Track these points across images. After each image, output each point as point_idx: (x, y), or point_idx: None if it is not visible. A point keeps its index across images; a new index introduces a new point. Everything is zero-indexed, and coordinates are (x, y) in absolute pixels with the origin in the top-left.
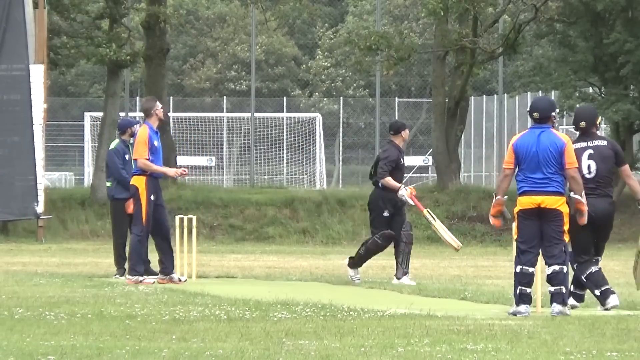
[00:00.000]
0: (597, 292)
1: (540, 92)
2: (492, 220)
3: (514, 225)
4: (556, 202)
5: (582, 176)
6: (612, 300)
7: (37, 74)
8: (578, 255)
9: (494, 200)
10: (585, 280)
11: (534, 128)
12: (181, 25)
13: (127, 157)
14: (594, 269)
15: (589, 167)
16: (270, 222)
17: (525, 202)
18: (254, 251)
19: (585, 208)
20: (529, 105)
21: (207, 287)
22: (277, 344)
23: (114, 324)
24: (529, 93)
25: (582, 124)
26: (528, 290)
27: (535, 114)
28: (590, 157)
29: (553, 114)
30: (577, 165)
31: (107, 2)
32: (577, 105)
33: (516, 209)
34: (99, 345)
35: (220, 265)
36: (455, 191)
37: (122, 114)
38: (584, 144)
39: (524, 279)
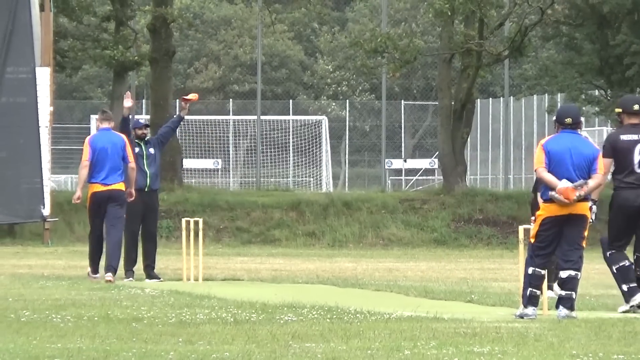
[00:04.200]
0: (625, 288)
1: (546, 94)
2: (576, 193)
3: (533, 228)
4: (585, 208)
5: (632, 170)
6: (639, 297)
7: (43, 76)
8: (612, 242)
9: (558, 194)
10: (615, 271)
11: (567, 133)
12: (190, 25)
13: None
14: (627, 262)
15: (636, 161)
16: (276, 225)
17: (556, 209)
18: (260, 254)
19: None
20: (534, 108)
21: (213, 289)
22: (283, 346)
23: (121, 327)
24: (534, 96)
25: (636, 107)
26: (538, 292)
27: (569, 120)
28: None
29: (582, 119)
30: (604, 172)
31: (113, 5)
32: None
33: (542, 215)
34: (106, 348)
35: (227, 267)
36: (461, 194)
37: None
38: (635, 137)
39: (535, 281)
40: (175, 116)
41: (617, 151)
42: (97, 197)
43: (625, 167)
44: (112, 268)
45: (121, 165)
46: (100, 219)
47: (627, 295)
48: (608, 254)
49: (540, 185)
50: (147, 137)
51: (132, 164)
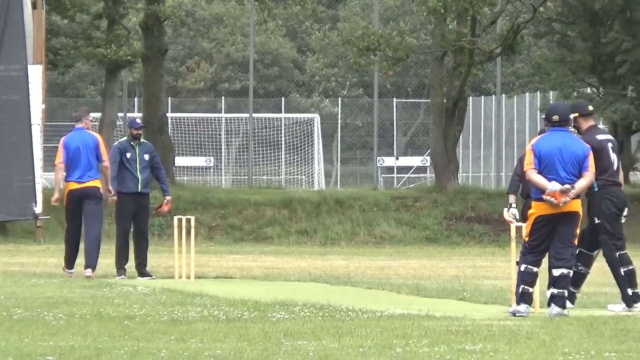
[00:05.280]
0: (630, 292)
1: (538, 92)
2: (562, 199)
3: (526, 226)
4: (577, 205)
5: (612, 169)
6: None
7: (35, 74)
8: (619, 240)
9: (550, 198)
10: (623, 274)
11: (556, 131)
12: (182, 23)
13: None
14: (633, 266)
15: (614, 160)
16: (268, 223)
17: (548, 207)
18: (252, 251)
19: (564, 200)
20: (526, 106)
21: (205, 287)
22: (275, 344)
23: (113, 325)
24: (527, 93)
25: (590, 107)
26: (530, 290)
27: (556, 117)
28: (612, 150)
29: (571, 116)
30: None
31: (106, 2)
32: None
33: (534, 214)
34: (98, 345)
35: (219, 265)
36: (453, 192)
37: (120, 114)
38: (605, 137)
39: (527, 278)
40: (165, 185)
41: (597, 151)
42: (72, 194)
43: (607, 167)
44: (92, 265)
45: (95, 164)
46: (77, 217)
47: (631, 301)
48: (617, 254)
49: (532, 186)
50: (142, 140)
51: (105, 162)
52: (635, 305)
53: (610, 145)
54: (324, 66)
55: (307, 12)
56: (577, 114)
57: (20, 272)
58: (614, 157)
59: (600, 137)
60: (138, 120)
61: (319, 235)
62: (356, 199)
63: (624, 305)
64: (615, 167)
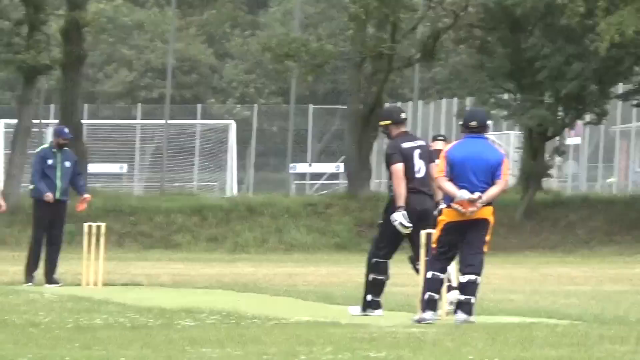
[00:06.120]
0: (370, 298)
1: (455, 98)
2: (470, 208)
3: (435, 233)
4: (488, 212)
5: (413, 176)
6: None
7: None
8: (383, 248)
9: (457, 206)
10: (370, 280)
11: (471, 138)
12: (102, 29)
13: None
14: (384, 277)
15: (420, 167)
16: (178, 230)
17: (458, 214)
18: (161, 258)
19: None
20: (442, 111)
21: (112, 294)
22: (179, 351)
23: (17, 332)
24: (444, 99)
25: (403, 115)
26: (436, 296)
27: (474, 123)
28: (420, 157)
29: (488, 122)
30: (398, 177)
31: (27, 9)
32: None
33: (444, 220)
34: (1, 353)
35: (127, 272)
36: (365, 198)
37: (35, 121)
38: (412, 144)
39: (434, 285)
40: (83, 188)
41: (405, 158)
42: None
43: (409, 174)
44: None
45: None
46: None
47: (366, 306)
48: (375, 260)
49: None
50: (64, 148)
51: None
52: (371, 310)
53: (418, 152)
54: (242, 72)
55: (222, 17)
56: (389, 122)
57: None
58: (420, 164)
59: (406, 144)
60: (67, 130)
61: (228, 242)
62: (267, 205)
63: (359, 308)
64: (420, 175)
